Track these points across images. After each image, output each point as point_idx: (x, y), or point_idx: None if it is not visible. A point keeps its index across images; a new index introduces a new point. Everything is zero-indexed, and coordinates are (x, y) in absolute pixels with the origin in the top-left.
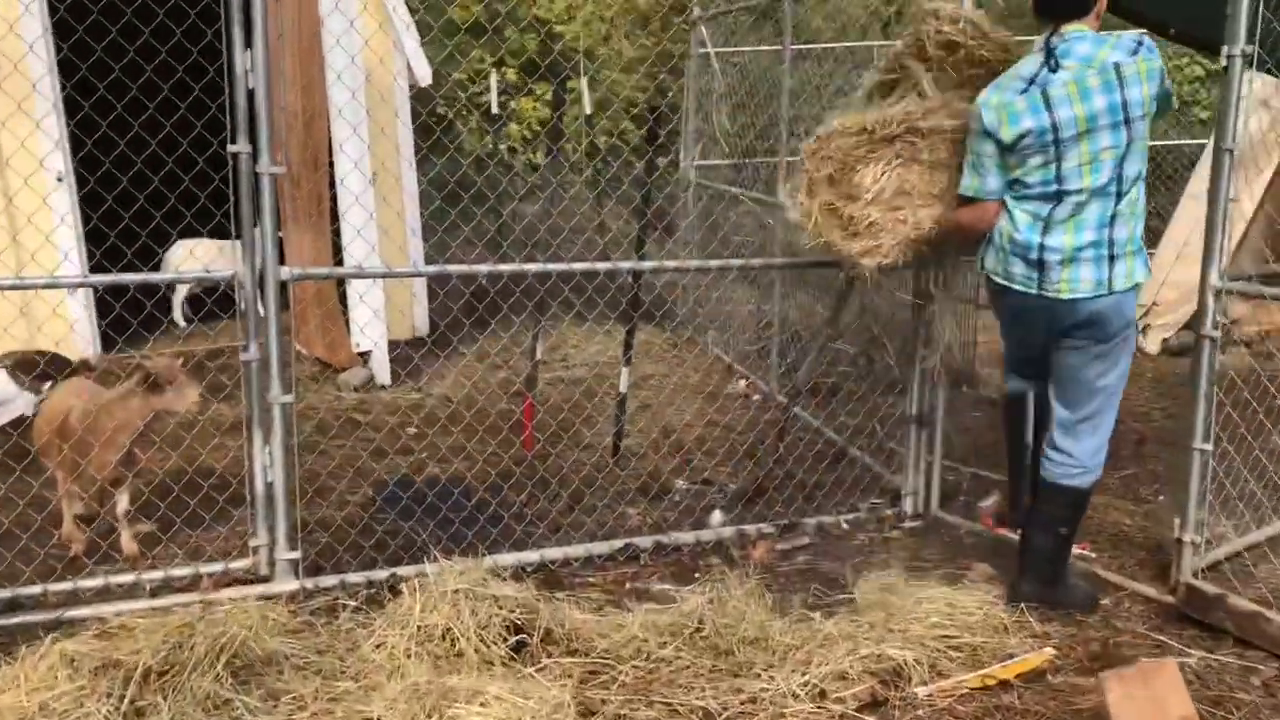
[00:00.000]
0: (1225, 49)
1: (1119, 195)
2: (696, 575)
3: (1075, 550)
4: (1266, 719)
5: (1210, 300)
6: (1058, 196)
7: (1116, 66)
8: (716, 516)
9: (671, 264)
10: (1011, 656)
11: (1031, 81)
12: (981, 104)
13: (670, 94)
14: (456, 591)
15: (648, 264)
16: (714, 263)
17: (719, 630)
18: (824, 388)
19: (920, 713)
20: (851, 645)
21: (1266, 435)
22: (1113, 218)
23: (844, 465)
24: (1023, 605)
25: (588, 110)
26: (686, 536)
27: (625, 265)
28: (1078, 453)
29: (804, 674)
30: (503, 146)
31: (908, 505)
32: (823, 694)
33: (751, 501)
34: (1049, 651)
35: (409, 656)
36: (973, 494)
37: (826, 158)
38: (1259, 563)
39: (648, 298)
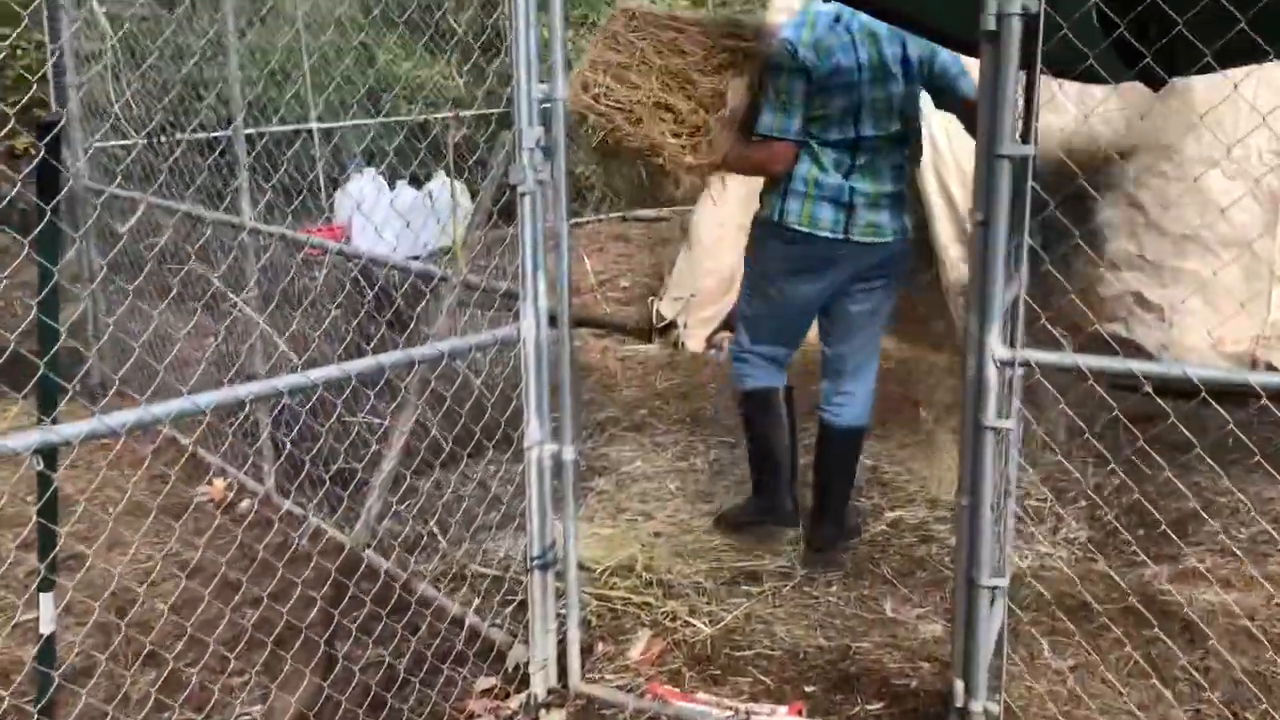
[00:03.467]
0: (995, 4)
1: (904, 143)
2: None
3: None
4: None
5: (991, 375)
6: (857, 142)
7: None
8: None
9: (290, 381)
10: None
11: (837, 20)
12: (794, 40)
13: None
14: None
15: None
16: (333, 370)
17: None
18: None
19: None
20: None
21: None
22: (901, 167)
23: (414, 616)
24: None
25: None
26: None
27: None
28: (861, 392)
29: None
30: None
31: (539, 684)
32: None
33: None
34: None
35: None
36: (611, 638)
37: (670, 47)
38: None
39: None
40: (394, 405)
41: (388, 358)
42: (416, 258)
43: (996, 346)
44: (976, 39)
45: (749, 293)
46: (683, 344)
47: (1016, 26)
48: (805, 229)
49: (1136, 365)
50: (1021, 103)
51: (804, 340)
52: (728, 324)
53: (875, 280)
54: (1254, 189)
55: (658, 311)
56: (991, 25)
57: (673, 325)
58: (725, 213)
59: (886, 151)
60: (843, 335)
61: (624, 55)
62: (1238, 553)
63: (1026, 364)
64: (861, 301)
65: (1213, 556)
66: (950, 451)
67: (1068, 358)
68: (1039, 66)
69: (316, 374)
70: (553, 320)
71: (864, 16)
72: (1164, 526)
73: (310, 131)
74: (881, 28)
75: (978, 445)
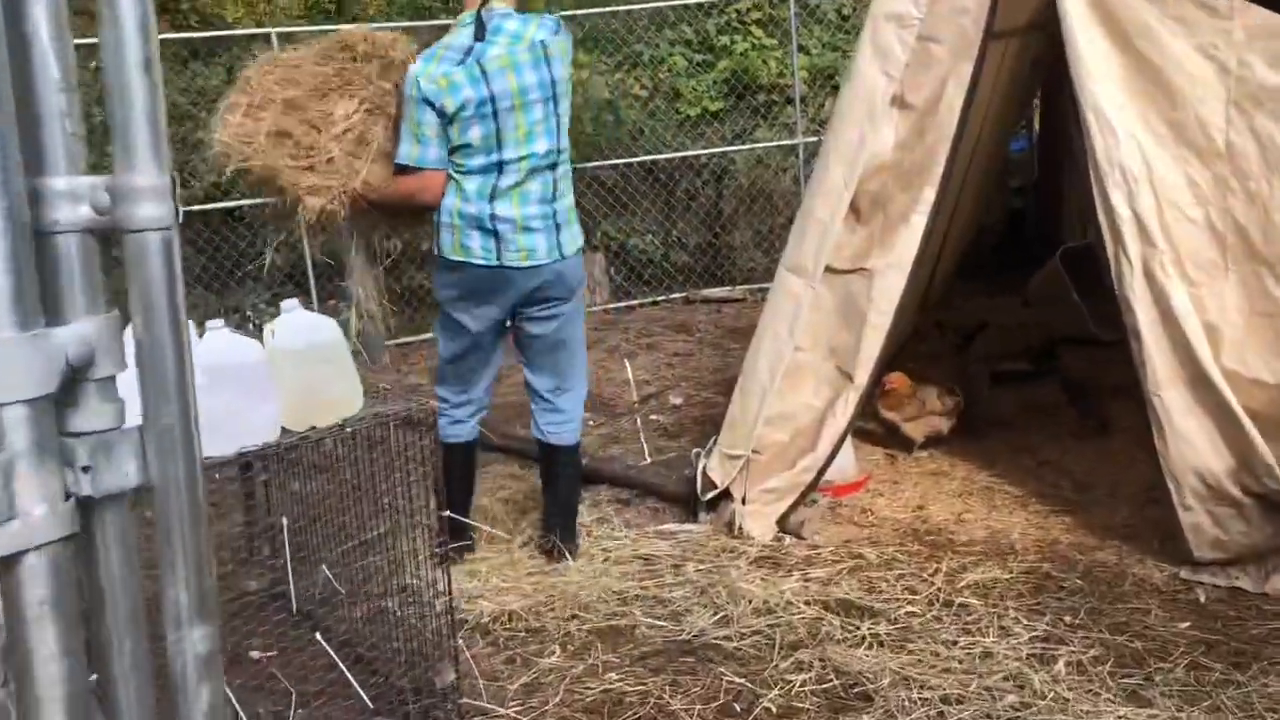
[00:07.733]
0: None
1: (555, 166)
2: None
3: None
4: None
5: None
6: (499, 167)
7: (543, 44)
8: None
9: None
10: None
11: (467, 53)
12: (417, 74)
13: None
14: None
15: None
16: None
17: None
18: None
19: None
20: None
21: None
22: (553, 189)
23: None
24: None
25: None
26: None
27: None
28: (570, 408)
29: None
30: None
31: None
32: None
33: None
34: None
35: None
36: None
37: (290, 80)
38: None
39: None
40: None
41: None
42: None
43: None
44: None
45: (440, 334)
46: (740, 527)
47: None
48: (459, 259)
49: None
50: None
51: (494, 380)
52: (803, 499)
53: (548, 304)
54: None
55: (704, 473)
56: None
57: (727, 495)
58: (804, 328)
59: (537, 176)
60: (538, 362)
61: (250, 96)
62: None
63: None
64: (540, 325)
65: None
66: None
67: None
68: None
69: None
70: None
71: (502, 45)
72: None
73: None
74: (524, 56)
75: None
